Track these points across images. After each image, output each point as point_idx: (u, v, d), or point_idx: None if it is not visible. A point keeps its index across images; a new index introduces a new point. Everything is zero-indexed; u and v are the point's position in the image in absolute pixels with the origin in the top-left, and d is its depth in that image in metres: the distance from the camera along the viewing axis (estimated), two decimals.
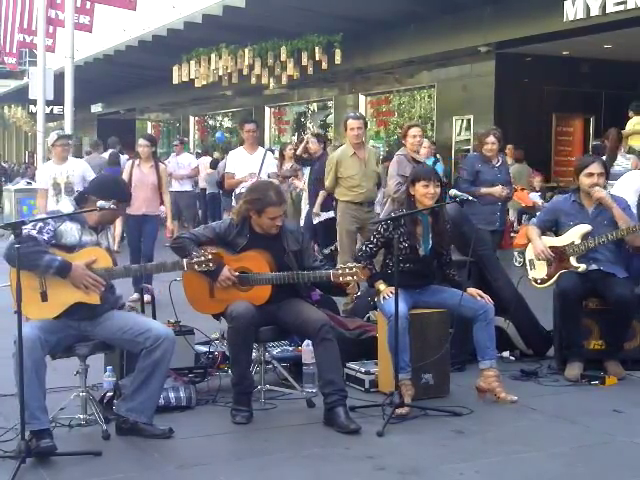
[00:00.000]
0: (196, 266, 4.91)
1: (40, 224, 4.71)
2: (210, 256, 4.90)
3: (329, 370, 5.10)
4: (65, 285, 4.68)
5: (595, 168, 6.21)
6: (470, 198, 6.20)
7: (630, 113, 12.33)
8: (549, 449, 4.71)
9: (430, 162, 11.58)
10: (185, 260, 4.94)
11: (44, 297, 4.64)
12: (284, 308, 5.29)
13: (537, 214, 7.55)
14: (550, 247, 6.31)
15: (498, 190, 7.94)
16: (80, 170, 9.14)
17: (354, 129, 8.19)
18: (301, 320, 5.21)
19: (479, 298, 5.61)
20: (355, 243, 8.23)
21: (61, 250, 4.74)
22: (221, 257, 5.00)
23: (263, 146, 10.79)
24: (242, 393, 5.17)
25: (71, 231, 4.82)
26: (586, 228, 6.18)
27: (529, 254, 6.51)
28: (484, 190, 7.83)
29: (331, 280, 5.21)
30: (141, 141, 9.74)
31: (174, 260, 5.07)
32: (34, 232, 4.68)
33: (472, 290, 5.69)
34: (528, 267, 6.53)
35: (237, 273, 5.24)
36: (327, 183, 8.49)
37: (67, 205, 5.05)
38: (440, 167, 12.69)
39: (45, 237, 4.68)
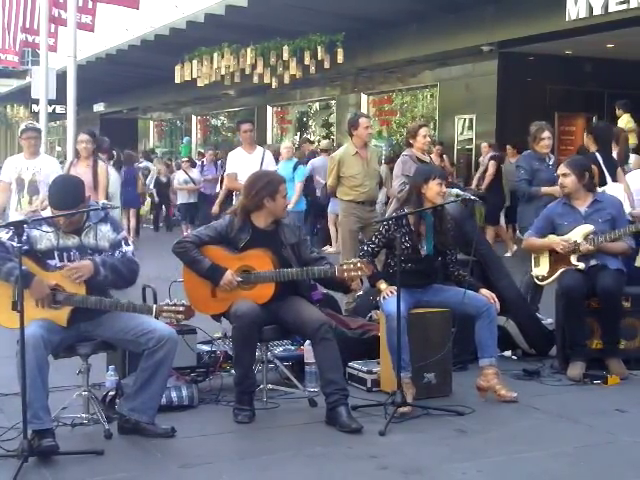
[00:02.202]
0: (164, 314, 4.84)
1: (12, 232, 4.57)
2: (181, 308, 4.81)
3: (329, 370, 5.10)
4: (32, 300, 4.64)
5: (560, 169, 6.41)
6: (472, 197, 6.19)
7: (618, 111, 12.38)
8: (552, 448, 4.70)
9: (291, 165, 11.23)
10: (155, 306, 4.89)
11: (14, 307, 4.55)
12: (285, 307, 5.28)
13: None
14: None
15: (558, 190, 7.65)
16: (49, 169, 8.13)
17: (368, 127, 8.25)
18: (300, 320, 5.20)
19: (492, 301, 5.62)
20: (357, 242, 8.21)
21: (34, 262, 4.68)
22: (193, 311, 4.91)
23: (263, 145, 10.78)
24: (244, 392, 5.16)
25: (46, 235, 4.76)
26: (588, 228, 6.18)
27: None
28: (544, 190, 7.47)
29: (336, 276, 5.21)
30: (82, 136, 8.60)
31: (144, 304, 5.08)
32: (5, 237, 4.65)
33: (485, 292, 5.70)
34: (532, 264, 6.54)
35: (239, 278, 5.25)
36: (329, 182, 8.49)
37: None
38: (303, 170, 12.49)
39: (14, 243, 4.49)
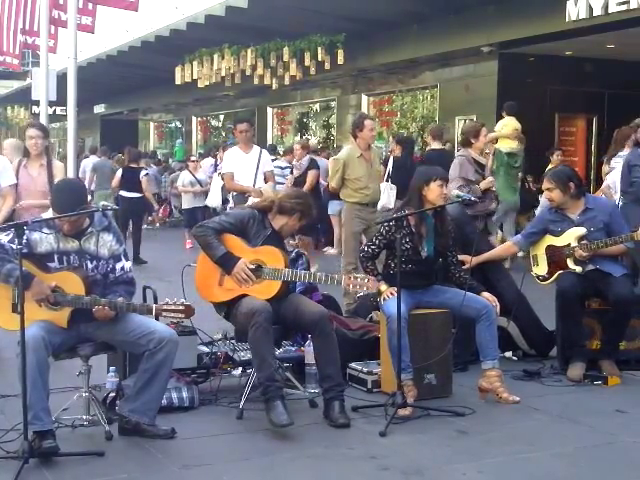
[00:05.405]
0: (164, 313, 4.84)
1: (12, 234, 4.58)
2: (181, 307, 4.81)
3: (327, 364, 5.16)
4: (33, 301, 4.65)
5: (544, 183, 6.44)
6: (473, 199, 6.18)
7: (503, 113, 12.55)
8: (552, 449, 4.71)
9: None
10: (155, 306, 4.89)
11: (15, 309, 4.57)
12: (285, 304, 5.32)
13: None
14: (549, 246, 6.33)
15: None
16: None
17: (372, 130, 8.23)
18: (300, 313, 5.25)
19: (493, 304, 5.63)
20: (359, 244, 8.20)
21: (33, 264, 4.68)
22: (193, 310, 4.88)
23: (265, 146, 10.78)
24: (275, 396, 4.99)
25: (46, 239, 4.75)
26: (581, 231, 6.18)
27: (533, 250, 6.51)
28: None
29: (342, 285, 5.31)
30: (31, 131, 7.24)
31: (144, 304, 5.07)
32: (5, 240, 4.67)
33: (487, 295, 5.71)
34: (532, 262, 6.53)
35: (251, 266, 5.27)
36: (333, 184, 8.43)
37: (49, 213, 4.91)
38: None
39: (14, 245, 4.49)
